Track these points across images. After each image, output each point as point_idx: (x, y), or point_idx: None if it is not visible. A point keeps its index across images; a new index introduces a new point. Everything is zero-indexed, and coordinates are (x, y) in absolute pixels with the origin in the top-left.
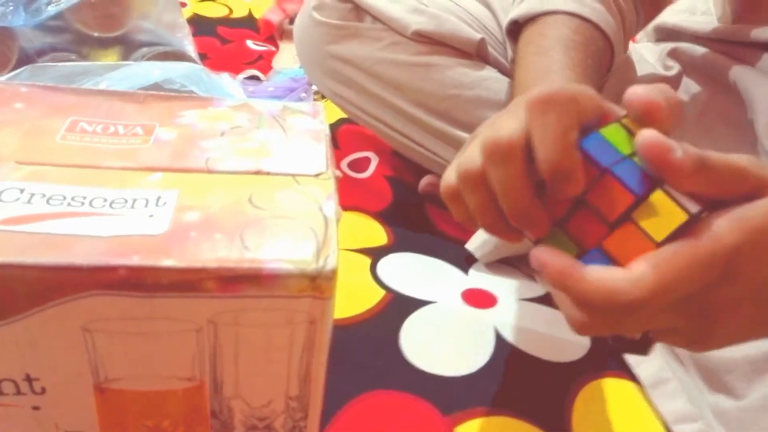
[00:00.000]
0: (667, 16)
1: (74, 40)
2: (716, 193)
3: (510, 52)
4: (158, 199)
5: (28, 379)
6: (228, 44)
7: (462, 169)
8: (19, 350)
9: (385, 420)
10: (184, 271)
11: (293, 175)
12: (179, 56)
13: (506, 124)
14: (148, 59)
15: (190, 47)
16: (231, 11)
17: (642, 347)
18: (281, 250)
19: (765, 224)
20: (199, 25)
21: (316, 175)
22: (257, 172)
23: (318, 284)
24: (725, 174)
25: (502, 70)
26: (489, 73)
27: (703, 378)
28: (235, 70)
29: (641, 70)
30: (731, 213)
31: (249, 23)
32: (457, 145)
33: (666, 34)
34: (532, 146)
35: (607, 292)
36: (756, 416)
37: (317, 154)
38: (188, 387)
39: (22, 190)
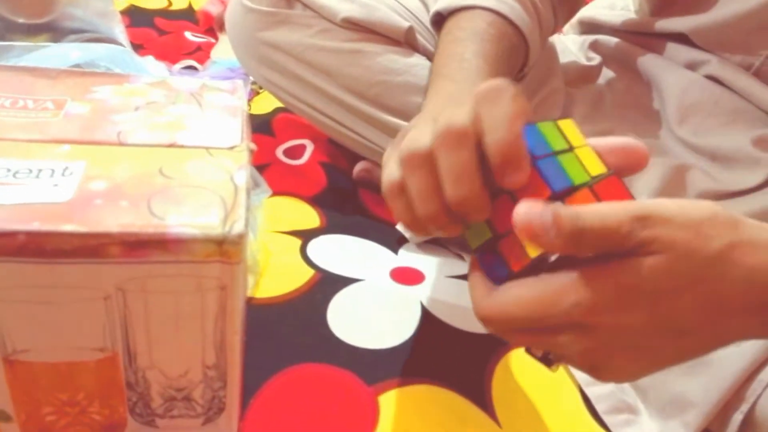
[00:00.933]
0: (589, 11)
1: (1, 26)
2: (591, 253)
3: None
4: (65, 169)
5: None
6: (165, 35)
7: (409, 151)
8: None
9: (309, 391)
10: (85, 236)
11: (206, 148)
12: (108, 43)
13: (457, 112)
14: None
15: (121, 36)
16: (170, 3)
17: (546, 361)
18: (188, 215)
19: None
20: (136, 16)
21: (230, 148)
22: (170, 145)
23: (225, 249)
24: (600, 236)
25: (431, 58)
26: (417, 60)
27: None
28: (172, 60)
29: (565, 59)
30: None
31: (188, 15)
32: (387, 130)
33: (588, 27)
34: (482, 133)
35: (473, 298)
36: (665, 379)
37: (233, 129)
38: (101, 358)
39: None
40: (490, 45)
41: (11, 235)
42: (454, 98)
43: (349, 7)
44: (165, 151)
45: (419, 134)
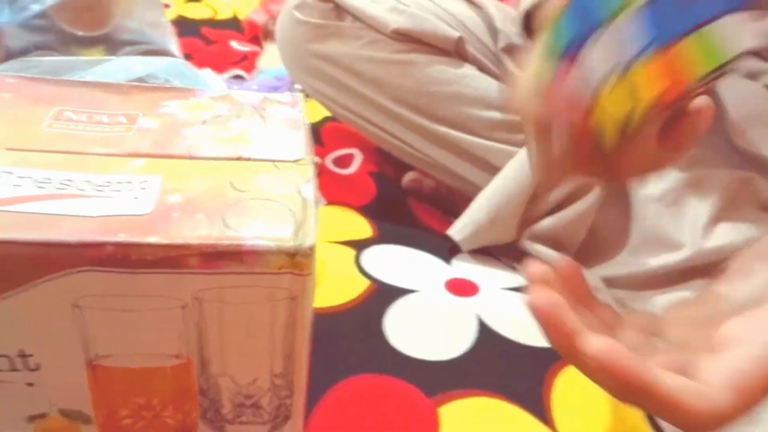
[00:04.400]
0: None
1: (58, 39)
2: None
3: (494, 48)
4: (142, 182)
5: (22, 355)
6: (212, 45)
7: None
8: (13, 326)
9: (371, 401)
10: (167, 248)
11: (273, 161)
12: (163, 55)
13: None
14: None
15: (173, 46)
16: (216, 12)
17: None
18: (261, 228)
19: None
20: (184, 27)
21: (295, 161)
22: (238, 158)
23: (297, 261)
24: None
25: (481, 68)
26: (467, 70)
27: None
28: (219, 69)
29: None
30: None
31: (233, 24)
32: (436, 140)
33: None
34: None
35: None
36: None
37: (296, 142)
38: (176, 364)
39: (10, 174)
40: None
41: (99, 245)
42: None
43: (398, 18)
44: (233, 165)
45: None
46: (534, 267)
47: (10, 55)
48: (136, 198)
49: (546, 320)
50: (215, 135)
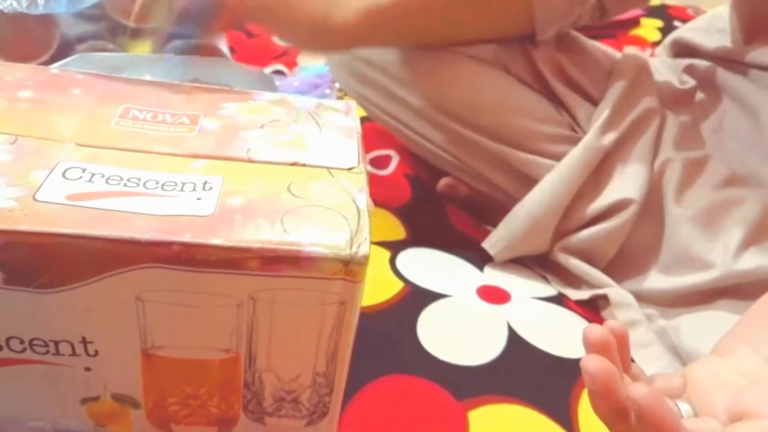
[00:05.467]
0: (684, 32)
1: (110, 28)
2: None
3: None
4: (204, 183)
5: (84, 341)
6: (254, 38)
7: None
8: (78, 315)
9: (401, 401)
10: (230, 250)
11: (328, 168)
12: (210, 49)
13: None
14: (181, 51)
15: (221, 41)
16: None
17: None
18: (318, 235)
19: None
20: None
21: (349, 169)
22: (294, 164)
23: (351, 268)
24: None
25: (521, 79)
26: (507, 81)
27: None
28: (261, 63)
29: (658, 80)
30: None
31: None
32: (475, 148)
33: (682, 49)
34: None
35: None
36: None
37: (350, 149)
38: (225, 358)
39: (83, 170)
40: None
41: (167, 244)
42: None
43: None
44: (290, 170)
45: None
46: (593, 331)
47: (65, 43)
48: (199, 199)
49: (599, 388)
50: (273, 139)
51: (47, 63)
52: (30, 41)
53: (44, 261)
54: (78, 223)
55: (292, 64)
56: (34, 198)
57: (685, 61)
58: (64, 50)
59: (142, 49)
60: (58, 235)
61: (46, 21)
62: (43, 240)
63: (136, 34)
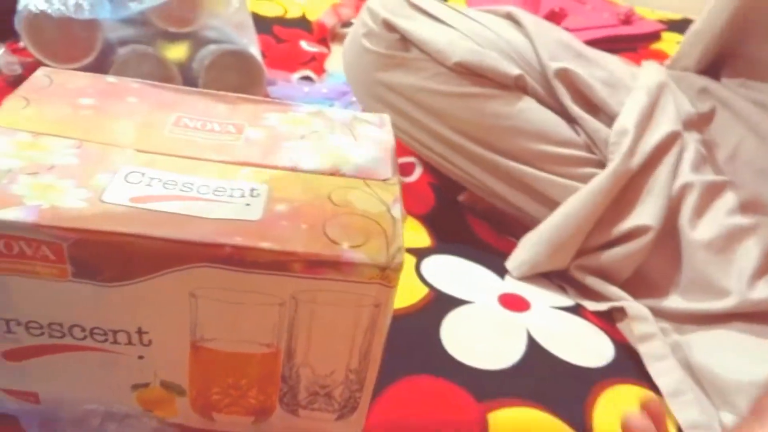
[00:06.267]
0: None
1: (149, 33)
2: None
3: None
4: (252, 190)
5: (139, 332)
6: (283, 44)
7: None
8: (136, 307)
9: (424, 400)
10: (277, 253)
11: (364, 179)
12: (243, 55)
13: None
14: (216, 56)
15: (254, 48)
16: (286, 11)
17: None
18: (357, 242)
19: None
20: (257, 23)
21: (384, 180)
22: (333, 174)
23: (387, 274)
24: None
25: (540, 99)
26: (526, 104)
27: (712, 395)
28: (289, 69)
29: (674, 102)
30: None
31: (302, 24)
32: (494, 170)
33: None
34: None
35: None
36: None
37: (385, 161)
38: (266, 352)
39: (143, 174)
40: None
41: (220, 246)
42: None
43: (461, 52)
44: (330, 180)
45: None
46: (634, 422)
47: (108, 47)
48: (248, 204)
49: None
50: (314, 150)
51: (91, 65)
52: (75, 44)
53: (110, 257)
54: (141, 224)
55: (320, 70)
56: (100, 199)
57: (702, 83)
58: (106, 53)
59: (179, 52)
60: (124, 235)
61: (91, 25)
62: (110, 238)
63: (173, 37)
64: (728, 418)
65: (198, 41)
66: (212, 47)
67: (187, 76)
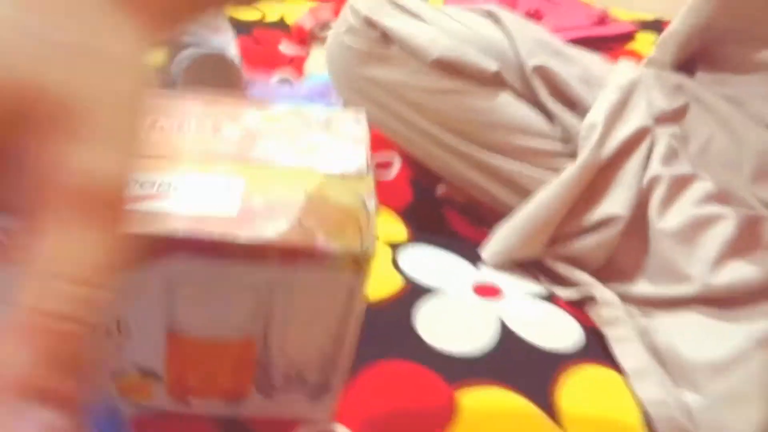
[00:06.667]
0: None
1: None
2: None
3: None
4: (228, 185)
5: (118, 324)
6: (261, 46)
7: None
8: (115, 299)
9: (398, 383)
10: (254, 243)
11: (340, 174)
12: (221, 58)
13: None
14: (194, 59)
15: (233, 51)
16: (264, 15)
17: None
18: (332, 233)
19: None
20: (235, 27)
21: (359, 175)
22: (309, 169)
23: (360, 263)
24: None
25: (518, 95)
26: (503, 98)
27: (674, 375)
28: (268, 71)
29: (649, 96)
30: None
31: (280, 27)
32: (473, 162)
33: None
34: None
35: None
36: (710, 407)
37: (359, 156)
38: (242, 340)
39: None
40: None
41: (197, 238)
42: None
43: (440, 49)
44: (306, 174)
45: None
46: None
47: None
48: (224, 199)
49: None
50: (290, 145)
51: None
52: None
53: None
54: None
55: (299, 73)
56: None
57: (676, 80)
58: None
59: (157, 56)
60: None
61: None
62: None
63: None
64: (689, 397)
65: (175, 45)
66: (190, 51)
67: (165, 80)
